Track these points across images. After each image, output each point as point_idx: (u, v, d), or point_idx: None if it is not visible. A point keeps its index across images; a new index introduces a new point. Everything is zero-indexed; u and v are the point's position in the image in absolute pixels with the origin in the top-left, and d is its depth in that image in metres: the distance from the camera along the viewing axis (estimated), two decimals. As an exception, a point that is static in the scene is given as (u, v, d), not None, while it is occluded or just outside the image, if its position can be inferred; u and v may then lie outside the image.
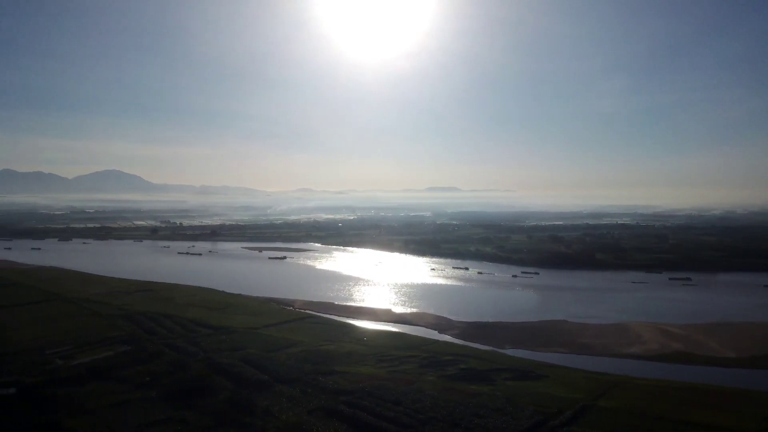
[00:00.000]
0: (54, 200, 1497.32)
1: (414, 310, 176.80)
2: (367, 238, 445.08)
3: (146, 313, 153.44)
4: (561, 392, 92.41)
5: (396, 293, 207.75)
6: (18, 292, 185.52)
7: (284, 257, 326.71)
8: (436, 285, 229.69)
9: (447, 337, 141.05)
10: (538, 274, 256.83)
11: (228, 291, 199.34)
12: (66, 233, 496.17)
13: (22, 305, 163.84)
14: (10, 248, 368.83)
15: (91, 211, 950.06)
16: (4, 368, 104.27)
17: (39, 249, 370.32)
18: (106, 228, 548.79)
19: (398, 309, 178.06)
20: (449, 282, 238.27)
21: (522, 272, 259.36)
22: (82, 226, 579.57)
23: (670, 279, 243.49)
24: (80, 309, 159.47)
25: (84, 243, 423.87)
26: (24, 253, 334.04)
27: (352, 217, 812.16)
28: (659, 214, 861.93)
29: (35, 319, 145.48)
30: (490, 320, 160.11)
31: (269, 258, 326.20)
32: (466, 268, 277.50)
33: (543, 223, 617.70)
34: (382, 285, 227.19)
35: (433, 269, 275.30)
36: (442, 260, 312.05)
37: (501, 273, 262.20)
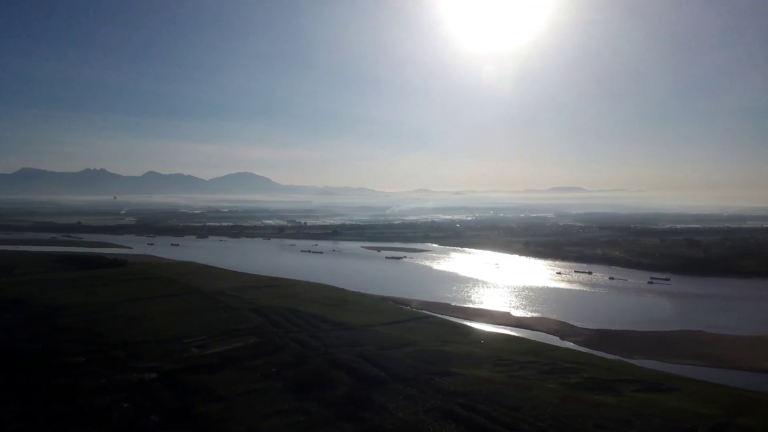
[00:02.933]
0: (192, 200, 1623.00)
1: (534, 314, 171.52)
2: (486, 239, 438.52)
3: (273, 307, 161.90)
4: (694, 407, 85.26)
5: (515, 296, 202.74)
6: (159, 285, 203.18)
7: (401, 257, 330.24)
8: (558, 289, 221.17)
9: (569, 344, 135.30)
10: (668, 280, 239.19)
11: (347, 288, 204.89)
12: (203, 231, 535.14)
13: (163, 297, 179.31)
14: (152, 244, 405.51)
15: (225, 210, 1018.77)
16: (147, 355, 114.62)
17: (178, 245, 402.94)
18: (238, 226, 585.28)
19: (517, 312, 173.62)
20: (572, 286, 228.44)
21: (651, 278, 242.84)
22: (217, 224, 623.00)
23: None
24: (214, 302, 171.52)
25: (220, 240, 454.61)
26: (164, 249, 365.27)
27: (469, 218, 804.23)
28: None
29: (174, 310, 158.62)
30: (617, 328, 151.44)
31: (386, 258, 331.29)
32: (589, 272, 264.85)
33: (678, 226, 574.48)
34: (500, 287, 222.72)
35: (558, 273, 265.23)
36: (564, 263, 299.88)
37: (632, 278, 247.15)
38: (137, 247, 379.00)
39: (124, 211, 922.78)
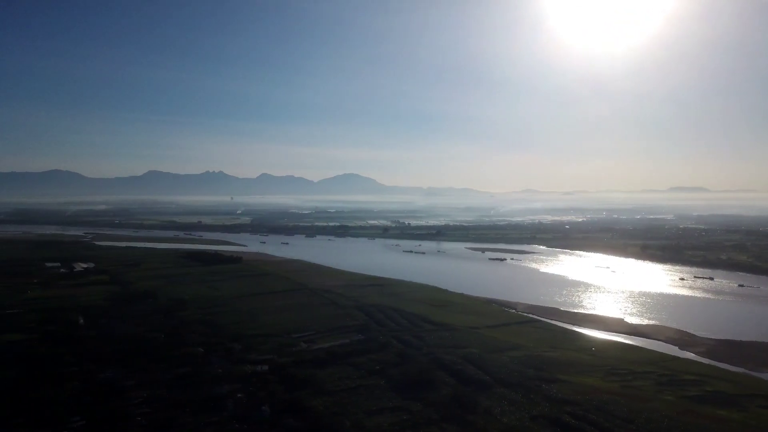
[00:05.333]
0: (301, 201, 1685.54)
1: (650, 321, 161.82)
2: (598, 241, 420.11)
3: (377, 305, 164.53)
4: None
5: (629, 302, 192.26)
6: (271, 281, 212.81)
7: (504, 259, 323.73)
8: (677, 296, 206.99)
9: (689, 355, 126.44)
10: None
11: (450, 289, 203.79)
12: (311, 230, 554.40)
13: (274, 293, 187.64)
14: (264, 242, 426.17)
15: (332, 210, 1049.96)
16: (260, 347, 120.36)
17: (287, 244, 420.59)
18: (344, 226, 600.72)
19: (632, 319, 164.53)
20: (694, 293, 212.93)
21: None
22: (324, 224, 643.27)
23: None
24: (321, 299, 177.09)
25: (328, 240, 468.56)
26: (275, 247, 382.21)
27: (580, 219, 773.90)
28: None
29: (284, 306, 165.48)
30: (745, 339, 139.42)
31: (489, 259, 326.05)
32: (711, 278, 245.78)
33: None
34: (613, 292, 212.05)
35: (681, 279, 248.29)
36: (685, 268, 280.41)
37: (764, 286, 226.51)
38: (251, 245, 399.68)
39: (239, 211, 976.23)
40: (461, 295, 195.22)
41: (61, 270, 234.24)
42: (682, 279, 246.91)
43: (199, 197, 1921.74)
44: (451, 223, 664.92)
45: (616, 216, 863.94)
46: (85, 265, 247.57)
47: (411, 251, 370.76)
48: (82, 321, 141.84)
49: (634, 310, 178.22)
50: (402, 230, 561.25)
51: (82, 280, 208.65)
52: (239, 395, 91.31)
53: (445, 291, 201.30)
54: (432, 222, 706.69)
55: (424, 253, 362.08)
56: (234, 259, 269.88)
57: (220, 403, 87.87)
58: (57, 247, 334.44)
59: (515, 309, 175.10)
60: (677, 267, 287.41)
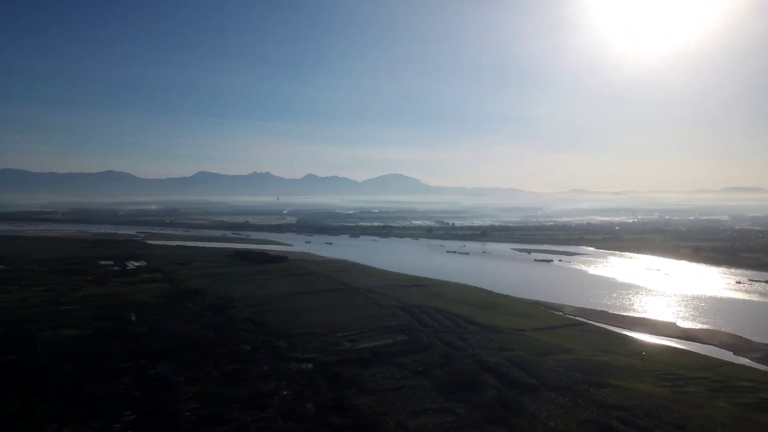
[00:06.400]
0: (346, 201, 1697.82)
1: (703, 326, 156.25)
2: (648, 243, 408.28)
3: (420, 306, 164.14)
4: None
5: (681, 305, 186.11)
6: (316, 280, 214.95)
7: (551, 260, 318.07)
8: (732, 299, 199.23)
9: (745, 360, 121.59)
10: None
11: (495, 291, 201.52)
12: (355, 231, 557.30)
13: (318, 292, 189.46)
14: (309, 242, 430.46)
15: (376, 211, 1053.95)
16: (305, 346, 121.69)
17: (331, 244, 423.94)
18: (388, 227, 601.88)
19: (684, 323, 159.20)
20: (750, 297, 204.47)
21: None
22: (368, 224, 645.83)
23: None
24: (365, 299, 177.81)
25: (373, 240, 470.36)
26: (320, 247, 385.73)
27: (630, 220, 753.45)
28: None
29: (329, 305, 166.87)
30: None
31: (535, 260, 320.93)
32: (767, 281, 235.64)
33: None
34: (664, 295, 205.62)
35: (737, 282, 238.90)
36: (740, 271, 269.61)
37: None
38: (296, 244, 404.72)
39: (285, 211, 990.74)
40: (506, 296, 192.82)
41: (115, 268, 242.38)
42: (738, 282, 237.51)
43: (247, 197, 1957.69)
44: (496, 224, 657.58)
45: (668, 217, 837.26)
46: (137, 264, 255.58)
47: (455, 252, 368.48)
48: (134, 318, 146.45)
49: (687, 314, 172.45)
50: (446, 231, 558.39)
51: (134, 278, 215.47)
52: (285, 393, 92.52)
53: (490, 292, 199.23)
54: (477, 222, 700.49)
55: (468, 253, 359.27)
56: (280, 259, 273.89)
57: (267, 400, 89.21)
58: (111, 245, 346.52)
59: (562, 311, 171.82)
60: (732, 270, 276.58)
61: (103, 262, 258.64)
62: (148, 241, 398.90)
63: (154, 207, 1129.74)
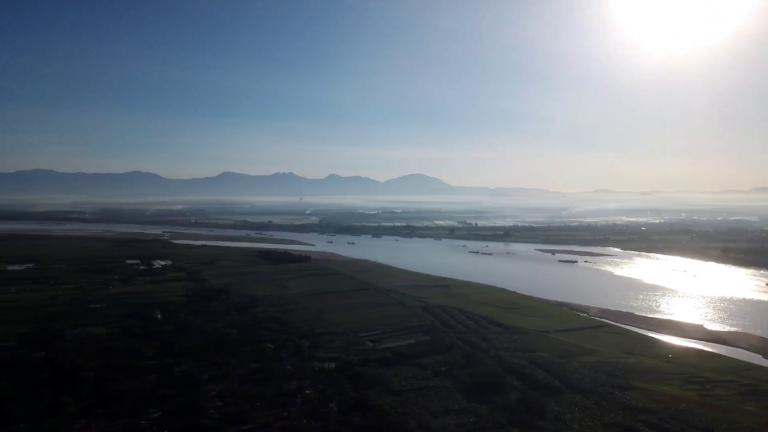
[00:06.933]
0: (368, 201, 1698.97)
1: (732, 328, 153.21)
2: (675, 243, 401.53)
3: (443, 306, 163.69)
4: None
5: (709, 307, 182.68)
6: (338, 280, 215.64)
7: (576, 261, 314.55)
8: (761, 302, 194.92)
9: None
10: None
11: (518, 292, 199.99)
12: (377, 231, 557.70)
13: (341, 292, 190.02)
14: (332, 242, 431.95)
15: (398, 211, 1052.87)
16: (328, 345, 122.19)
17: (353, 244, 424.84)
18: (410, 227, 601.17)
19: (712, 326, 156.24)
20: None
21: None
22: (390, 224, 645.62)
23: None
24: (387, 298, 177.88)
25: (395, 240, 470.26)
26: (342, 247, 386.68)
27: (657, 221, 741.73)
28: None
29: (351, 305, 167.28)
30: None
31: (559, 261, 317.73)
32: None
33: None
34: (691, 297, 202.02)
35: (767, 284, 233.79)
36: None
37: None
38: (319, 244, 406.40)
39: (308, 211, 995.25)
40: (530, 297, 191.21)
41: (141, 267, 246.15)
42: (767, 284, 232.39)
43: (270, 197, 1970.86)
44: (520, 224, 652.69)
45: (695, 217, 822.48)
46: (163, 263, 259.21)
47: (478, 252, 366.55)
48: (159, 316, 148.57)
49: (715, 316, 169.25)
50: (469, 231, 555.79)
51: (160, 277, 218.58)
52: (308, 392, 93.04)
53: (513, 293, 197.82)
54: (499, 223, 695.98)
55: (491, 254, 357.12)
56: (303, 258, 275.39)
57: (290, 399, 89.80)
58: (137, 245, 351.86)
59: (587, 313, 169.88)
60: (762, 271, 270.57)
61: (129, 261, 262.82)
62: (174, 241, 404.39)
63: (179, 207, 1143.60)
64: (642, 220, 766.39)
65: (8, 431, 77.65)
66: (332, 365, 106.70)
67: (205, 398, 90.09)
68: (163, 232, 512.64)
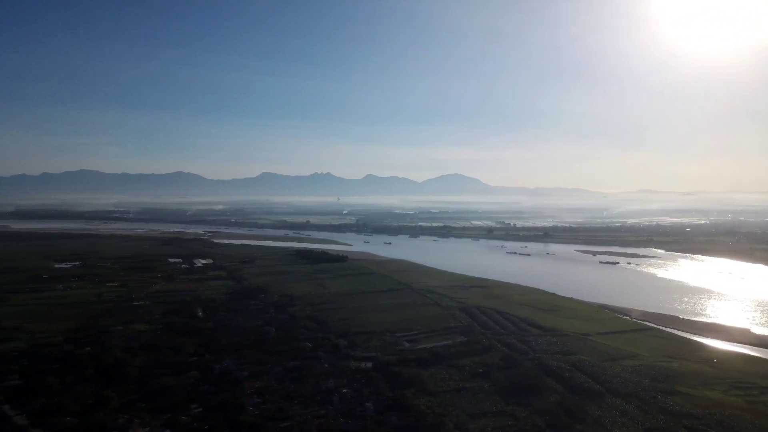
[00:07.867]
0: (406, 201, 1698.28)
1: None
2: (721, 245, 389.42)
3: (480, 307, 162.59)
4: None
5: (756, 311, 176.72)
6: (375, 280, 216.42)
7: (617, 262, 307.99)
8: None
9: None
10: None
11: (558, 293, 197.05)
12: (414, 231, 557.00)
13: (378, 292, 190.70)
14: (368, 242, 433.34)
15: (435, 211, 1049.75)
16: (365, 345, 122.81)
17: (390, 243, 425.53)
18: (447, 227, 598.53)
19: (759, 330, 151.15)
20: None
21: None
22: (427, 224, 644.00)
23: None
24: (424, 299, 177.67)
25: (432, 240, 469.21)
26: (379, 247, 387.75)
27: (702, 222, 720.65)
28: None
29: (388, 305, 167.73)
30: None
31: (600, 262, 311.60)
32: None
33: None
34: (737, 300, 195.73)
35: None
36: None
37: None
38: (356, 244, 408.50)
39: (345, 211, 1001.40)
40: (570, 299, 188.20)
41: (183, 265, 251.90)
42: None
43: (308, 198, 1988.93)
44: (560, 225, 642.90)
45: (742, 218, 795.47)
46: (204, 262, 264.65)
47: (516, 253, 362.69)
48: (201, 314, 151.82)
49: (762, 320, 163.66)
50: (507, 231, 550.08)
51: (201, 276, 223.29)
52: (345, 390, 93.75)
53: (553, 294, 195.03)
54: (539, 223, 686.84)
55: (529, 254, 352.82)
56: (340, 258, 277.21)
57: (327, 397, 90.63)
58: (179, 244, 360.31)
59: (629, 316, 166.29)
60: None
61: (172, 260, 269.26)
62: (215, 240, 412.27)
63: (220, 207, 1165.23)
64: (686, 221, 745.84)
65: (55, 424, 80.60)
66: (369, 365, 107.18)
67: (244, 395, 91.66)
68: (205, 231, 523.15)
